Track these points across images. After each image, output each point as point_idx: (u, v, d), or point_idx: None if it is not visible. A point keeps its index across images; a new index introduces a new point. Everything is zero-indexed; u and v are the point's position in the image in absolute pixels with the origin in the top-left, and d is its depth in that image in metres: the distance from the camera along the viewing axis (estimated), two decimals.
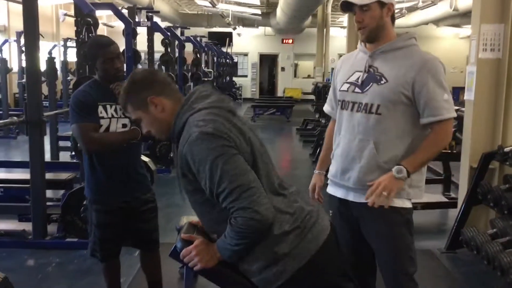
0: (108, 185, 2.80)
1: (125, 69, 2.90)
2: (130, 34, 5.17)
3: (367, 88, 2.27)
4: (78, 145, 4.11)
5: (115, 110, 2.78)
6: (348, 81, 2.36)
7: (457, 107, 5.55)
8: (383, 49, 2.28)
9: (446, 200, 5.56)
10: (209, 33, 20.41)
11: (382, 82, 2.23)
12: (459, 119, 5.31)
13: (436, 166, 7.26)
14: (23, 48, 12.43)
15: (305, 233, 1.77)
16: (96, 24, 4.08)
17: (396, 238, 2.29)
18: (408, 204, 2.31)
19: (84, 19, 4.13)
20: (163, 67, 7.85)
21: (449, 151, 6.19)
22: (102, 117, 2.76)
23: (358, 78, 2.32)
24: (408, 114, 2.24)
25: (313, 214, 1.83)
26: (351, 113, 2.32)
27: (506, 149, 3.95)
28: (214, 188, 1.67)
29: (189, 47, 10.84)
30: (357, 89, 2.30)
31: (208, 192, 1.70)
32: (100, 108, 2.75)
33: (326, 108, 2.62)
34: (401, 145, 2.25)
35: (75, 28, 4.97)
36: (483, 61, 4.22)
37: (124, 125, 2.80)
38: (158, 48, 8.13)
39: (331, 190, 2.44)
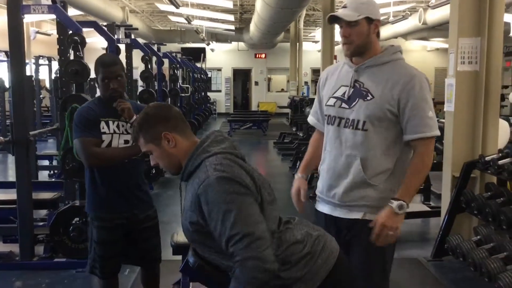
0: (109, 201, 2.81)
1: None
2: (114, 51, 5.17)
3: (354, 103, 2.25)
4: (68, 165, 4.13)
5: (117, 126, 2.82)
6: (334, 95, 2.33)
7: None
8: (369, 63, 2.26)
9: (428, 209, 5.68)
10: (183, 48, 20.42)
11: (368, 98, 2.22)
12: (439, 130, 5.49)
13: None
14: None
15: (315, 259, 1.82)
16: (83, 43, 4.07)
17: (374, 252, 2.23)
18: None
19: (71, 38, 4.12)
20: (143, 83, 7.84)
21: None
22: (104, 133, 2.79)
23: (344, 93, 2.29)
24: (394, 131, 2.23)
25: (321, 239, 1.88)
26: (337, 128, 2.30)
27: (487, 158, 4.09)
28: (224, 232, 1.67)
29: (165, 63, 10.86)
30: (344, 105, 2.28)
31: (217, 235, 1.70)
32: (103, 124, 2.79)
33: (311, 119, 2.58)
34: (387, 162, 2.24)
35: (56, 47, 4.97)
36: (462, 74, 4.37)
37: (126, 141, 2.83)
38: (135, 64, 8.15)
39: (319, 206, 2.42)
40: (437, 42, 20.41)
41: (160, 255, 3.04)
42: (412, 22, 15.30)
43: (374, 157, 2.23)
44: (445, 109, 4.61)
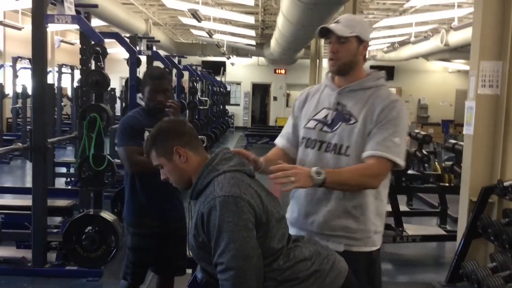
0: (147, 208, 2.91)
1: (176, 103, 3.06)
2: (134, 63, 5.24)
3: (336, 127, 2.16)
4: (84, 173, 4.17)
5: None
6: (315, 118, 2.23)
7: (454, 141, 5.70)
8: (353, 87, 2.19)
9: (443, 233, 5.60)
10: (203, 62, 20.59)
11: (351, 121, 2.14)
12: (457, 153, 5.43)
13: (431, 199, 7.34)
14: (18, 74, 12.57)
15: (324, 277, 1.82)
16: (104, 54, 4.13)
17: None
18: (372, 248, 2.19)
19: (93, 49, 4.18)
20: None
21: (446, 184, 6.28)
22: None
23: (326, 116, 2.20)
24: None
25: (330, 258, 1.88)
26: (318, 152, 2.18)
27: (506, 183, 4.02)
28: (214, 255, 1.72)
29: (185, 75, 10.95)
30: (326, 128, 2.19)
31: (212, 252, 1.74)
32: (147, 133, 2.86)
33: (280, 141, 2.39)
34: (369, 192, 2.13)
35: (78, 56, 5.05)
36: (482, 97, 4.32)
37: None
38: None
39: (293, 231, 2.15)
40: (459, 64, 20.24)
41: (186, 264, 3.09)
42: (433, 43, 15.21)
43: None
44: (464, 132, 4.56)
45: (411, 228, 5.51)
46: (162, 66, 7.53)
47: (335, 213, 2.12)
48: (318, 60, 18.04)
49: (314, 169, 1.95)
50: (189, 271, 3.00)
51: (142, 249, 2.92)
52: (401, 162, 2.09)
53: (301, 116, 2.31)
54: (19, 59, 12.28)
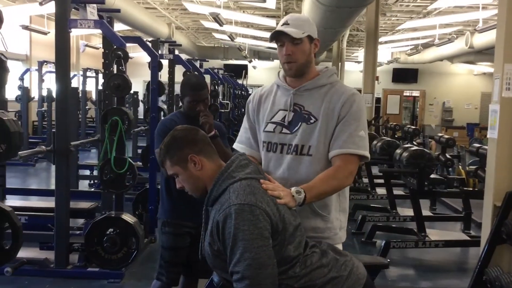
0: (181, 208, 2.97)
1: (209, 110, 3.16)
2: (156, 67, 5.29)
3: (296, 128, 2.14)
4: (106, 176, 4.22)
5: None
6: (272, 121, 2.21)
7: (478, 145, 5.61)
8: (308, 86, 2.17)
9: (467, 238, 5.50)
10: (225, 65, 20.69)
11: (311, 121, 2.13)
12: (481, 157, 5.33)
13: (455, 204, 7.22)
14: (44, 77, 12.80)
15: (341, 284, 1.81)
16: (126, 58, 4.18)
17: None
18: (340, 246, 2.18)
19: (115, 53, 4.23)
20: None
21: (470, 189, 6.17)
22: None
23: (284, 118, 2.18)
24: None
25: (347, 264, 1.87)
26: (280, 155, 2.17)
27: None
28: (230, 264, 1.72)
29: (206, 78, 11.02)
30: (285, 130, 2.17)
31: (228, 263, 1.74)
32: None
33: (241, 147, 2.34)
34: None
35: (102, 60, 5.13)
36: (507, 100, 4.23)
37: None
38: (177, 79, 8.29)
39: None
40: (484, 66, 19.92)
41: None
42: (458, 45, 15.01)
43: None
44: (488, 136, 4.48)
45: (434, 233, 5.43)
46: (184, 69, 7.59)
47: (304, 213, 2.09)
48: (340, 63, 17.97)
49: (294, 189, 1.95)
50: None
51: (177, 248, 3.00)
52: (368, 154, 2.14)
53: (259, 119, 2.28)
54: (45, 63, 12.50)
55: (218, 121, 11.39)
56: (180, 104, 3.14)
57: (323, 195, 2.07)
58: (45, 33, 12.74)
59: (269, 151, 2.21)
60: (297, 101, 2.18)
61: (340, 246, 2.18)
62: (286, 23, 2.13)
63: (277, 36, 2.14)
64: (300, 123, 2.14)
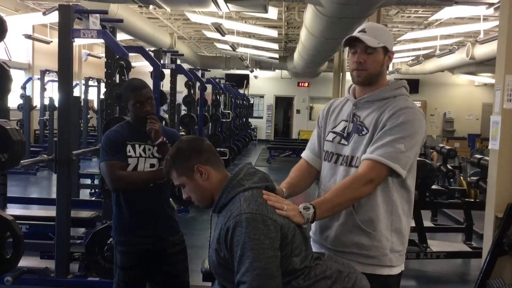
0: (134, 225, 2.82)
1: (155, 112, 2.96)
2: (158, 76, 5.30)
3: (351, 139, 2.11)
4: (106, 185, 4.20)
5: (144, 150, 2.84)
6: (333, 130, 2.21)
7: (479, 156, 5.61)
8: (369, 98, 2.13)
9: (468, 249, 5.49)
10: (227, 75, 20.76)
11: (363, 132, 2.08)
12: (482, 168, 5.33)
13: (456, 215, 7.21)
14: (46, 86, 12.82)
15: None
16: (128, 67, 4.20)
17: None
18: (390, 271, 2.07)
19: (117, 62, 4.25)
20: (186, 108, 7.98)
21: (472, 200, 6.16)
22: (130, 156, 2.80)
23: (344, 129, 2.16)
24: None
25: (351, 276, 1.85)
26: (334, 165, 2.14)
27: None
28: (237, 273, 1.69)
29: (208, 88, 11.05)
30: (343, 141, 2.14)
31: (234, 272, 1.72)
32: (129, 147, 2.81)
33: (306, 153, 2.34)
34: (380, 205, 2.03)
35: (104, 70, 5.14)
36: (508, 111, 4.23)
37: (152, 165, 2.85)
38: (179, 89, 8.32)
39: (314, 248, 2.13)
40: (485, 77, 19.95)
41: (188, 279, 3.01)
42: (459, 56, 15.04)
43: (366, 199, 2.01)
44: (489, 147, 4.48)
45: (436, 244, 5.42)
46: (186, 79, 7.61)
47: (346, 227, 2.04)
48: (341, 73, 17.97)
49: (302, 206, 1.88)
50: (208, 284, 2.99)
51: (131, 267, 2.82)
52: (400, 170, 1.97)
53: (325, 128, 2.27)
54: (47, 72, 12.55)
55: (219, 131, 11.36)
56: (128, 112, 2.91)
57: (338, 207, 1.97)
58: (47, 42, 12.81)
59: (325, 160, 2.21)
60: (356, 112, 2.15)
61: (388, 270, 2.06)
62: (363, 30, 2.08)
63: (351, 42, 2.09)
64: (354, 134, 2.11)
